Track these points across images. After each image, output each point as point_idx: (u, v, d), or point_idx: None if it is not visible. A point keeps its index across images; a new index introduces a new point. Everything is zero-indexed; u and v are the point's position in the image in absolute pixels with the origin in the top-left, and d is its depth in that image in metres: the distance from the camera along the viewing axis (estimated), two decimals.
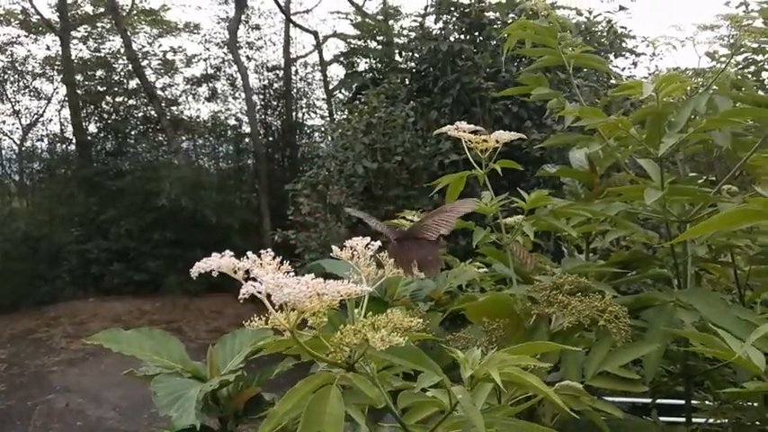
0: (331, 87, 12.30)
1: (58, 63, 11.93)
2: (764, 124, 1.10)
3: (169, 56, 12.39)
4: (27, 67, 12.11)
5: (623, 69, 8.01)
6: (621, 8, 8.02)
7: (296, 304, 0.62)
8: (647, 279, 1.35)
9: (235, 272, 0.65)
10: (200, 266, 0.65)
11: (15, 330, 8.97)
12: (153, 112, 12.03)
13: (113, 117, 12.18)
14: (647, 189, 1.07)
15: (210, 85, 12.50)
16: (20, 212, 11.39)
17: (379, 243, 0.76)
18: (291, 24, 12.32)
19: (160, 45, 12.46)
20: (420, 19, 9.09)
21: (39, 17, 11.75)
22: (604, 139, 1.24)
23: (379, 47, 10.50)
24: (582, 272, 1.13)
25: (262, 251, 0.68)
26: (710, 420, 1.23)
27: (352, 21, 11.73)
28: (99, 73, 12.07)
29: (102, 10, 11.98)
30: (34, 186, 12.34)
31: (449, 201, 1.20)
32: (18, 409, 6.41)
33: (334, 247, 0.76)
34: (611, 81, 5.88)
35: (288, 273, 0.66)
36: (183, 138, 12.54)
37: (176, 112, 12.50)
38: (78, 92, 11.83)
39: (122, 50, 11.70)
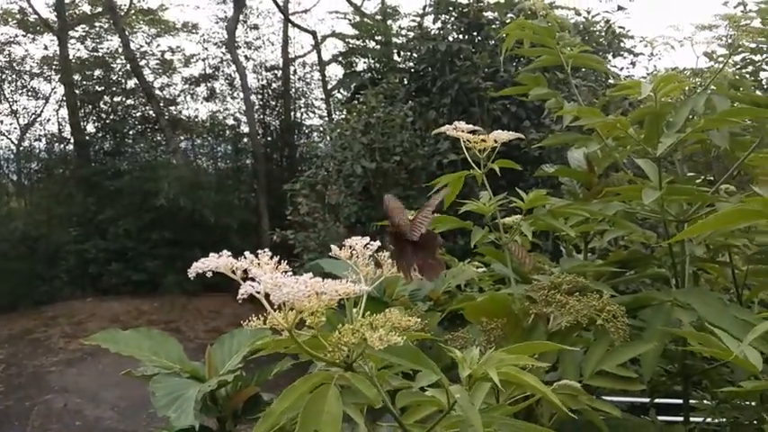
0: (329, 87, 12.31)
1: (55, 63, 11.93)
2: (762, 124, 1.10)
3: (167, 55, 12.41)
4: (25, 67, 12.12)
5: (621, 69, 8.02)
6: (620, 8, 8.02)
7: (294, 304, 0.62)
8: (645, 278, 1.35)
9: (233, 272, 0.65)
10: (197, 266, 0.65)
11: (13, 330, 8.97)
12: (151, 112, 12.02)
13: (111, 117, 12.18)
14: (645, 189, 1.07)
15: (209, 84, 12.52)
16: (18, 212, 11.38)
17: (377, 243, 0.76)
18: (290, 24, 12.33)
19: (158, 45, 12.49)
20: (418, 19, 9.10)
21: (36, 17, 11.76)
22: (603, 138, 1.24)
23: (378, 47, 10.49)
24: (580, 271, 1.13)
25: (259, 251, 0.68)
26: (708, 419, 1.23)
27: (350, 20, 11.73)
28: (97, 73, 12.07)
29: (99, 9, 11.97)
30: (32, 186, 12.34)
31: (447, 200, 1.20)
32: (16, 409, 6.41)
33: (332, 246, 0.76)
34: (610, 81, 5.88)
35: (286, 272, 0.66)
36: (182, 137, 12.55)
37: (174, 112, 12.51)
38: (76, 91, 11.83)
39: (120, 50, 11.70)
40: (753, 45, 1.22)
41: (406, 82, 8.19)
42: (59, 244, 10.60)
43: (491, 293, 1.20)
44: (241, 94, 11.92)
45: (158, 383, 1.20)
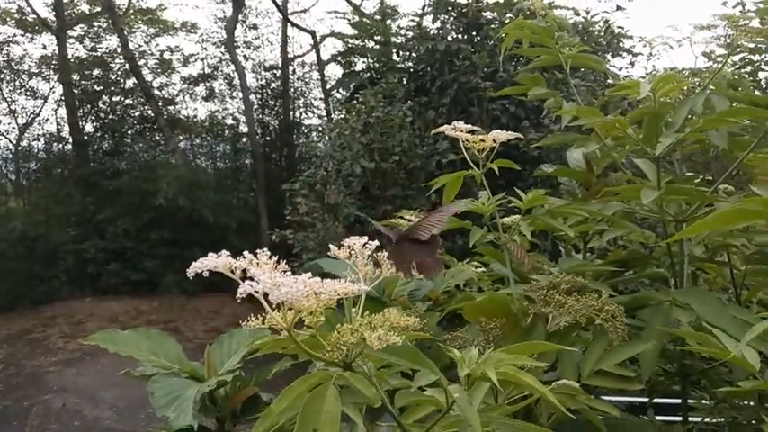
0: (328, 87, 12.31)
1: (54, 62, 11.92)
2: (761, 124, 1.11)
3: (166, 55, 12.40)
4: (23, 67, 12.11)
5: (620, 69, 8.03)
6: (619, 8, 8.02)
7: (293, 303, 0.62)
8: (644, 278, 1.35)
9: (232, 271, 0.65)
10: (196, 266, 0.65)
11: (12, 330, 8.96)
12: (150, 112, 12.01)
13: (110, 116, 12.17)
14: (644, 189, 1.07)
15: (208, 84, 12.51)
16: (16, 212, 11.37)
17: (376, 243, 0.76)
18: (289, 24, 12.32)
19: (157, 44, 12.48)
20: (417, 19, 9.13)
21: (35, 16, 11.74)
22: (601, 138, 1.24)
23: (377, 46, 10.50)
24: (579, 271, 1.13)
25: (258, 251, 0.68)
26: (707, 419, 1.23)
27: (349, 20, 11.73)
28: (95, 72, 12.05)
29: (98, 9, 11.96)
30: (31, 186, 12.32)
31: (446, 200, 1.20)
32: (15, 409, 6.40)
33: (331, 246, 0.76)
34: (609, 81, 5.89)
35: (285, 272, 0.66)
36: (181, 137, 12.53)
37: (173, 112, 12.51)
38: (75, 91, 11.82)
39: (119, 50, 11.68)
40: (751, 45, 1.22)
41: (405, 82, 8.20)
42: (58, 244, 10.59)
43: (490, 293, 1.20)
44: (240, 94, 11.91)
45: (157, 383, 1.20)
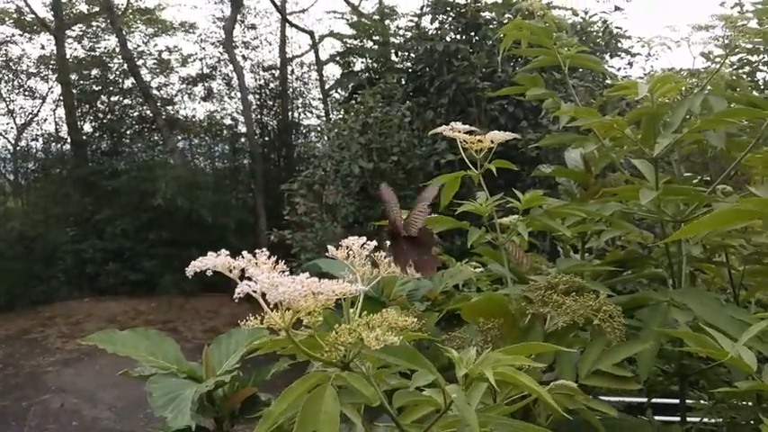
0: (327, 87, 12.30)
1: (52, 62, 11.91)
2: (759, 125, 1.11)
3: (164, 55, 12.39)
4: (21, 67, 12.10)
5: (619, 69, 8.03)
6: (617, 8, 8.02)
7: (291, 303, 0.62)
8: (642, 279, 1.36)
9: (230, 271, 0.65)
10: (195, 266, 0.65)
11: (10, 331, 8.95)
12: (148, 112, 12.01)
13: (108, 116, 12.17)
14: (642, 189, 1.07)
15: (206, 84, 12.51)
16: (15, 212, 11.36)
17: (374, 243, 0.76)
18: (287, 24, 12.32)
19: (155, 44, 12.47)
20: (416, 19, 9.10)
21: (33, 16, 11.73)
22: (600, 139, 1.24)
23: (375, 47, 10.49)
24: (577, 271, 1.14)
25: (257, 250, 0.68)
26: (705, 419, 1.23)
27: (348, 20, 11.73)
28: (94, 72, 12.05)
29: (97, 9, 11.95)
30: (29, 186, 12.31)
31: (444, 201, 1.20)
32: (13, 409, 6.40)
33: (329, 246, 0.76)
34: (607, 81, 5.89)
35: (283, 272, 0.66)
36: (179, 137, 12.52)
37: (172, 112, 12.50)
38: (73, 91, 11.81)
39: (117, 50, 11.67)
40: (749, 46, 1.23)
41: (403, 82, 8.20)
42: (56, 244, 10.59)
43: (488, 293, 1.20)
44: (238, 94, 11.91)
45: (155, 384, 1.20)
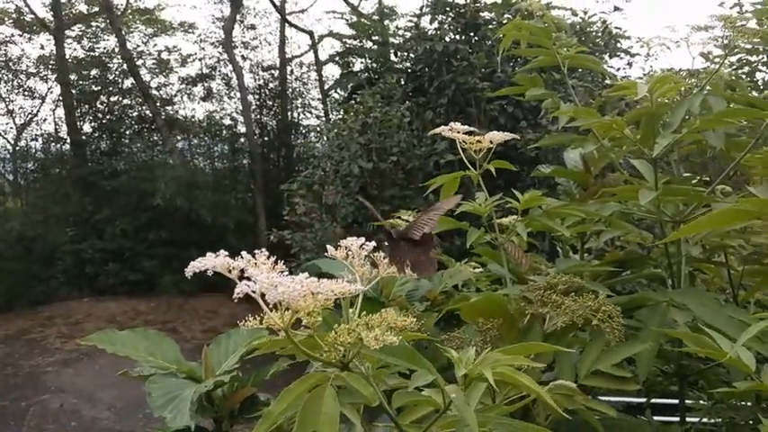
0: (326, 87, 12.31)
1: (52, 62, 11.90)
2: (758, 125, 1.11)
3: (164, 55, 12.39)
4: (21, 67, 12.10)
5: (618, 70, 8.03)
6: (616, 9, 8.03)
7: (290, 303, 0.62)
8: (641, 279, 1.36)
9: (229, 271, 0.65)
10: (194, 266, 0.65)
11: (9, 331, 8.95)
12: (148, 112, 12.01)
13: (108, 116, 12.16)
14: (642, 189, 1.07)
15: (206, 84, 12.51)
16: (14, 212, 11.36)
17: (373, 243, 0.76)
18: (287, 24, 12.32)
19: (155, 44, 12.48)
20: (415, 19, 9.10)
21: (33, 16, 11.73)
22: (599, 139, 1.24)
23: (375, 47, 10.49)
24: (576, 272, 1.14)
25: (256, 251, 0.68)
26: (704, 420, 1.23)
27: (347, 20, 11.72)
28: (93, 72, 12.05)
29: (96, 9, 11.95)
30: (28, 186, 12.31)
31: (443, 200, 1.20)
32: (12, 409, 6.39)
33: (328, 246, 0.76)
34: (606, 81, 5.89)
35: (282, 272, 0.66)
36: (178, 137, 12.52)
37: (171, 112, 12.50)
38: (73, 91, 11.81)
39: (117, 50, 11.67)
40: (749, 46, 1.23)
41: (403, 82, 8.19)
42: (56, 244, 10.59)
43: (487, 294, 1.20)
44: (238, 94, 11.91)
45: (155, 384, 1.20)
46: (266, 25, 13.05)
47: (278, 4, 12.03)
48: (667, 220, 1.17)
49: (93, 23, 12.11)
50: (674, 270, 1.17)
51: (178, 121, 12.44)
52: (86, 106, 12.10)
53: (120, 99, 12.22)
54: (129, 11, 12.38)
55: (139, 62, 11.98)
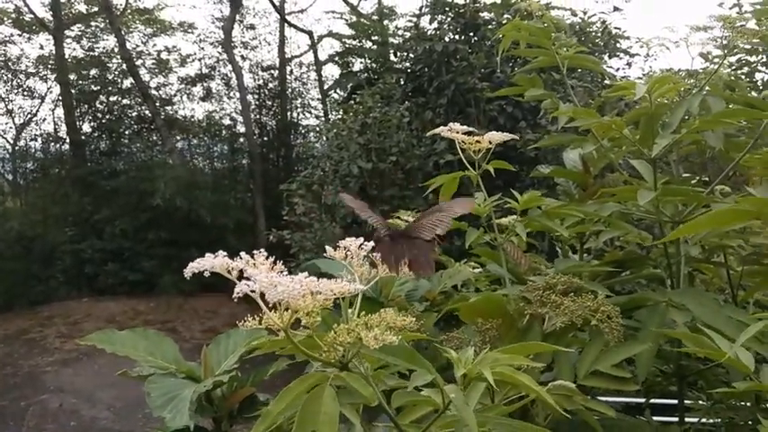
0: (326, 87, 12.30)
1: (51, 62, 11.89)
2: (757, 125, 1.11)
3: (163, 55, 12.37)
4: (20, 66, 12.07)
5: (617, 70, 8.03)
6: (616, 9, 8.03)
7: (290, 303, 0.62)
8: (640, 279, 1.36)
9: (228, 272, 0.65)
10: (193, 267, 0.65)
11: (9, 330, 8.95)
12: (147, 112, 12.00)
13: (107, 116, 12.16)
14: (641, 190, 1.07)
15: (205, 84, 12.50)
16: (13, 212, 11.35)
17: (372, 243, 0.76)
18: (286, 24, 12.31)
19: (154, 44, 12.46)
20: (415, 19, 9.11)
21: (32, 16, 11.71)
22: (598, 139, 1.24)
23: (374, 47, 10.49)
24: (575, 272, 1.14)
25: (255, 251, 0.68)
26: (704, 420, 1.23)
27: (346, 21, 11.73)
28: (93, 72, 12.03)
29: (95, 9, 11.94)
30: (28, 186, 12.30)
31: (442, 201, 1.20)
32: (11, 409, 6.39)
33: (327, 247, 0.76)
34: (606, 81, 5.89)
35: (281, 272, 0.66)
36: (178, 137, 12.51)
37: (171, 112, 12.48)
38: (72, 91, 11.80)
39: (116, 50, 11.66)
40: (748, 46, 1.23)
41: (402, 82, 8.19)
42: (55, 244, 10.58)
43: (486, 294, 1.20)
44: (237, 94, 11.91)
45: (154, 384, 1.20)
46: (266, 25, 13.07)
47: (277, 4, 12.03)
48: (666, 220, 1.17)
49: (93, 23, 12.10)
50: (673, 270, 1.17)
51: (177, 121, 12.44)
52: (86, 106, 12.10)
53: (120, 99, 12.21)
54: (129, 11, 12.37)
55: (139, 62, 11.97)
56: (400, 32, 9.95)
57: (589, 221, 1.28)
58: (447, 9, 7.71)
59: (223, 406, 1.28)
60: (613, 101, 2.62)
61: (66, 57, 11.70)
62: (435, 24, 7.92)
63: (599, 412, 0.92)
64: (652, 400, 1.30)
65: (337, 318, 0.71)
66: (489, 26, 7.48)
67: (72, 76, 11.81)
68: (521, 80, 1.40)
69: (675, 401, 1.18)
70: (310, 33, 12.45)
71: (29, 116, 12.23)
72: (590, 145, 1.25)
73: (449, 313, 1.24)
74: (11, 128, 12.16)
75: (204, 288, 9.13)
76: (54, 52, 11.67)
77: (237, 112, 12.23)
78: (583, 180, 1.35)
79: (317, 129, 11.28)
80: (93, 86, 12.04)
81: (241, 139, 12.30)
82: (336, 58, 11.73)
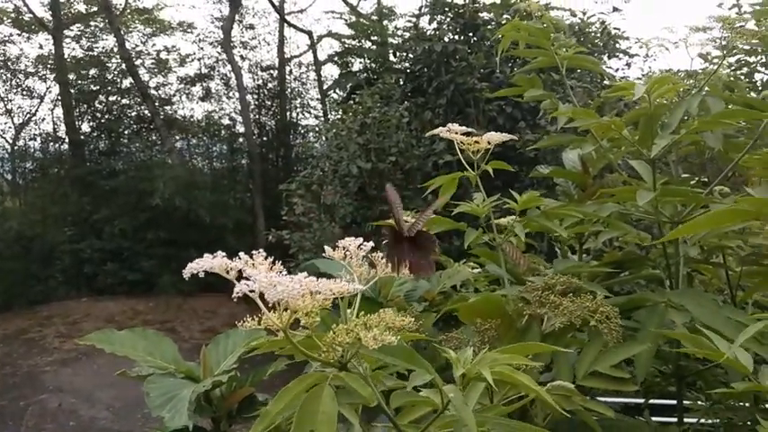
0: (325, 87, 12.30)
1: (50, 62, 11.89)
2: (756, 126, 1.11)
3: (163, 55, 12.38)
4: (19, 66, 12.09)
5: (617, 70, 8.04)
6: (615, 9, 8.03)
7: (289, 303, 0.62)
8: (639, 280, 1.36)
9: (227, 272, 0.65)
10: (192, 267, 0.65)
11: (8, 330, 8.94)
12: (146, 112, 12.01)
13: (106, 116, 12.17)
14: (640, 190, 1.07)
15: (204, 84, 12.50)
16: (12, 212, 11.36)
17: (371, 244, 0.76)
18: (286, 24, 12.31)
19: (154, 44, 12.47)
20: (414, 19, 9.11)
21: (31, 15, 11.71)
22: (597, 140, 1.24)
23: (374, 47, 10.50)
24: (574, 272, 1.14)
25: (254, 251, 0.68)
26: (702, 420, 1.23)
27: (346, 21, 11.73)
28: (92, 72, 12.04)
29: (95, 9, 11.94)
30: (27, 186, 12.30)
31: (441, 201, 1.20)
32: (10, 409, 6.39)
33: (326, 247, 0.76)
34: (605, 82, 5.89)
35: (280, 272, 0.66)
36: (177, 137, 12.52)
37: (170, 112, 12.50)
38: (71, 91, 11.80)
39: (116, 49, 11.67)
40: (747, 47, 1.23)
41: (401, 82, 8.19)
42: (54, 243, 10.58)
43: (485, 294, 1.20)
44: (237, 94, 11.91)
45: (153, 384, 1.20)
46: (265, 25, 13.08)
47: (277, 4, 12.03)
48: (665, 220, 1.17)
49: (92, 23, 12.11)
50: (672, 271, 1.17)
51: (177, 121, 12.44)
52: (85, 106, 12.11)
53: (119, 99, 12.22)
54: (128, 10, 12.36)
55: (138, 62, 11.98)
56: (399, 32, 9.96)
57: (588, 222, 1.28)
58: (446, 9, 7.72)
59: (222, 406, 1.28)
60: (612, 101, 2.62)
61: (66, 56, 11.71)
62: (435, 24, 7.92)
63: (598, 412, 0.92)
64: (651, 401, 1.30)
65: (336, 318, 0.71)
66: (488, 26, 7.49)
67: (71, 76, 11.81)
68: (520, 80, 1.40)
69: (674, 402, 1.18)
70: (310, 33, 12.47)
71: (28, 116, 12.25)
72: (589, 145, 1.25)
73: (448, 313, 1.24)
74: (10, 127, 12.18)
75: (203, 288, 9.12)
76: (53, 52, 11.67)
77: (237, 111, 12.24)
78: (582, 180, 1.35)
79: (317, 129, 11.28)
80: (92, 86, 12.06)
81: (240, 139, 12.31)
82: (336, 59, 11.73)
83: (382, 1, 11.59)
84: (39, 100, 12.26)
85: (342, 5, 12.54)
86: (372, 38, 10.66)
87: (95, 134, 12.28)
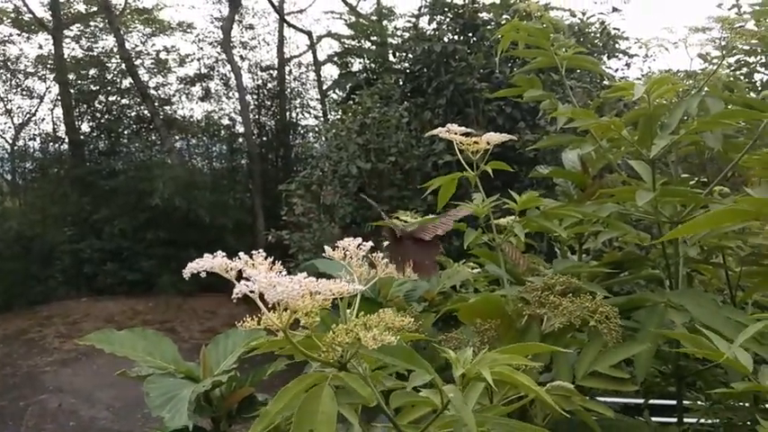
0: (325, 87, 12.31)
1: (50, 62, 11.89)
2: (756, 126, 1.11)
3: (162, 55, 12.38)
4: (19, 66, 12.09)
5: (616, 70, 8.03)
6: (615, 10, 8.03)
7: (288, 303, 0.62)
8: (639, 280, 1.36)
9: (227, 272, 0.65)
10: (192, 267, 0.65)
11: (8, 330, 8.94)
12: (146, 112, 12.01)
13: (106, 116, 12.16)
14: (639, 190, 1.07)
15: (204, 84, 12.50)
16: (12, 212, 11.35)
17: (371, 244, 0.76)
18: (285, 24, 12.32)
19: (153, 44, 12.47)
20: (414, 19, 9.10)
21: (31, 15, 11.71)
22: (597, 140, 1.24)
23: (373, 47, 10.50)
24: (574, 272, 1.14)
25: (253, 252, 0.68)
26: (702, 420, 1.23)
27: (346, 21, 11.73)
28: (92, 72, 12.04)
29: (95, 9, 11.94)
30: (27, 186, 12.30)
31: (441, 202, 1.20)
32: (10, 409, 6.39)
33: (326, 247, 0.76)
34: (605, 82, 5.89)
35: (280, 272, 0.66)
36: (177, 137, 12.52)
37: (169, 112, 12.50)
38: (71, 91, 11.80)
39: (115, 49, 11.67)
40: (747, 47, 1.23)
41: (401, 82, 8.19)
42: (54, 244, 10.58)
43: (485, 294, 1.20)
44: (236, 94, 11.92)
45: (153, 384, 1.20)
46: (265, 25, 13.09)
47: (276, 4, 12.04)
48: (665, 221, 1.17)
49: (92, 23, 12.10)
50: (671, 271, 1.17)
51: (176, 121, 12.44)
52: (84, 106, 12.10)
53: (119, 99, 12.22)
54: (128, 10, 12.36)
55: (138, 62, 11.98)
56: (399, 33, 9.96)
57: (588, 222, 1.28)
58: (446, 9, 7.72)
59: (222, 406, 1.28)
60: (612, 101, 2.62)
61: (65, 56, 11.71)
62: (434, 25, 7.92)
63: (597, 413, 0.92)
64: (651, 401, 1.30)
65: (336, 318, 0.71)
66: (488, 27, 7.49)
67: (71, 76, 11.81)
68: (519, 81, 1.40)
69: (674, 402, 1.18)
70: (309, 33, 12.47)
71: (27, 116, 12.25)
72: (589, 146, 1.25)
73: (447, 314, 1.24)
74: (9, 128, 12.19)
75: (203, 288, 9.12)
76: (53, 52, 11.67)
77: (236, 112, 12.24)
78: (581, 181, 1.35)
79: (316, 129, 11.28)
80: (91, 86, 12.05)
81: (240, 140, 12.31)
82: (335, 59, 11.74)
83: (382, 1, 11.60)
84: (38, 100, 12.28)
85: (341, 6, 12.55)
86: (372, 38, 10.66)
87: (95, 134, 12.28)
